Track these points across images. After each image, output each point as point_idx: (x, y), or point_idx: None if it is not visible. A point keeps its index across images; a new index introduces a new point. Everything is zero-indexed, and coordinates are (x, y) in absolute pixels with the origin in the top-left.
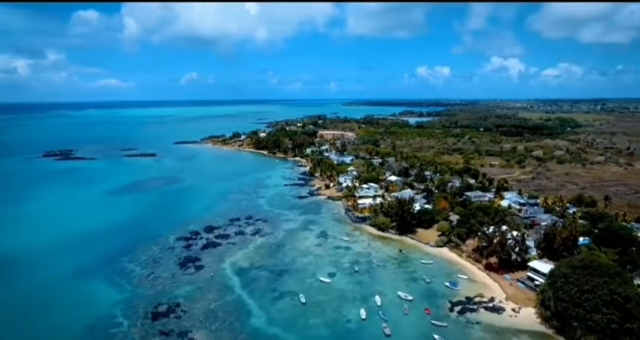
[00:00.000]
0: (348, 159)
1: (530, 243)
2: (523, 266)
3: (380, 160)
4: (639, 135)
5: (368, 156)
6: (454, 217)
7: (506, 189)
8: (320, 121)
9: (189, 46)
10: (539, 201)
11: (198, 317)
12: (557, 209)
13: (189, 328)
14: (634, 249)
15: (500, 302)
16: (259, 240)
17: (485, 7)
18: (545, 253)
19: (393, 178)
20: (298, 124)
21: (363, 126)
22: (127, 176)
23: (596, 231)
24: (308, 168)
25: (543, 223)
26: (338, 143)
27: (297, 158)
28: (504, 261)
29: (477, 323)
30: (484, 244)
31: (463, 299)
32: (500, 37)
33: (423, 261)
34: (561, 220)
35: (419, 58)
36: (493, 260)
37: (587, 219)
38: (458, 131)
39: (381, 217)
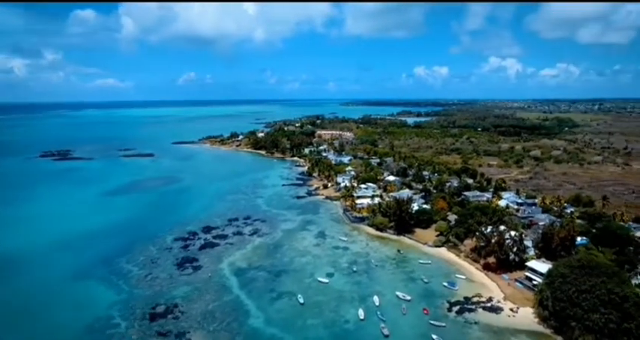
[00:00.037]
0: (346, 159)
1: (528, 242)
2: (521, 266)
3: (378, 160)
4: (636, 135)
5: (366, 156)
6: (452, 217)
7: (504, 189)
8: (318, 121)
9: (187, 46)
10: (536, 200)
11: (196, 317)
12: (555, 209)
13: (186, 329)
14: (631, 248)
15: (499, 302)
16: (257, 240)
17: (484, 7)
18: (543, 253)
19: (391, 178)
20: (296, 124)
21: (361, 126)
22: (125, 176)
23: (594, 230)
24: (306, 168)
25: (541, 223)
26: (336, 143)
27: (295, 158)
28: (502, 261)
29: (475, 323)
30: (482, 244)
31: (461, 299)
32: (498, 37)
33: (421, 261)
34: (559, 220)
35: (417, 58)
36: (491, 260)
37: (585, 218)
38: (456, 131)
39: (379, 217)
